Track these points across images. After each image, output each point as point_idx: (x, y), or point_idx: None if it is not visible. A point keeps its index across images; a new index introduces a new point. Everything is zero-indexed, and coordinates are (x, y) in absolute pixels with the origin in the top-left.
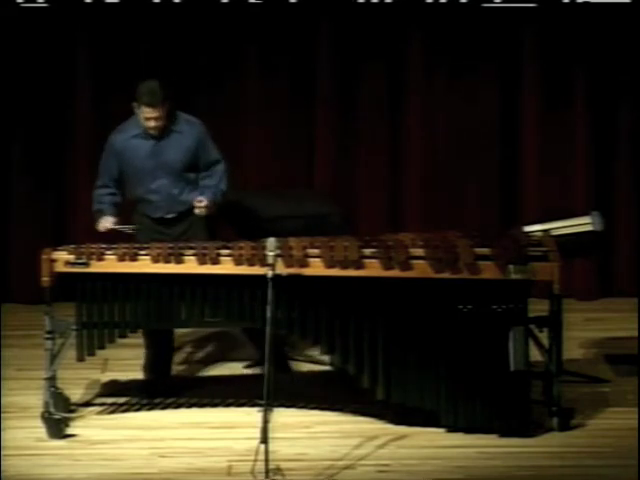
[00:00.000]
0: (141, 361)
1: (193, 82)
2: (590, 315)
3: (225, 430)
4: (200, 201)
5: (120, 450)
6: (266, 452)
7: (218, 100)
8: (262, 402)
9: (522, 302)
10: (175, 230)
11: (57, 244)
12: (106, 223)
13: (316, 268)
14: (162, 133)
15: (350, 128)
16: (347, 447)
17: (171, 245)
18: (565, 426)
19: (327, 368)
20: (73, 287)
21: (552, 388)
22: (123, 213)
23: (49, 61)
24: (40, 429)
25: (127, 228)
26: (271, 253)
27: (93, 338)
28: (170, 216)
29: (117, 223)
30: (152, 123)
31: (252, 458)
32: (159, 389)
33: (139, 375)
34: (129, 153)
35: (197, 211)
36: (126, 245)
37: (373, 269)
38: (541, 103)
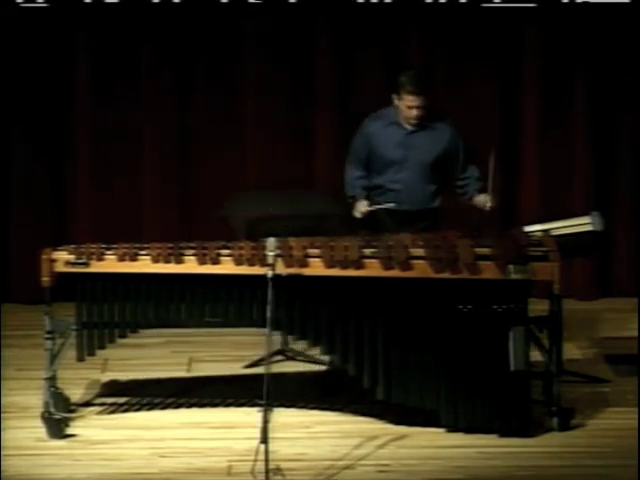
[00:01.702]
0: (143, 361)
1: (192, 82)
2: (590, 315)
3: (225, 430)
4: (485, 202)
5: (120, 450)
6: (266, 452)
7: (218, 100)
8: (262, 402)
9: (522, 302)
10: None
11: (57, 244)
12: (362, 207)
13: (316, 268)
14: (419, 125)
15: (350, 128)
16: (347, 447)
17: (171, 245)
18: (565, 426)
19: (326, 368)
20: (73, 287)
21: (552, 388)
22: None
23: (49, 61)
24: (40, 429)
25: (384, 205)
26: (271, 253)
27: (93, 338)
28: (405, 208)
29: (371, 205)
30: (414, 112)
31: (252, 458)
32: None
33: (139, 375)
34: (380, 140)
35: (488, 207)
36: (126, 245)
37: (373, 269)
38: (541, 103)
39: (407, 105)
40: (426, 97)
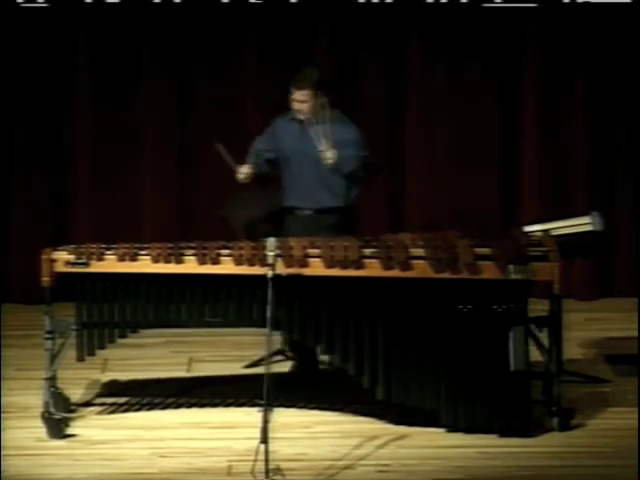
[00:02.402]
0: (143, 361)
1: (193, 82)
2: (590, 315)
3: (225, 430)
4: (328, 152)
5: (120, 450)
6: (266, 452)
7: (218, 100)
8: (262, 402)
9: (522, 302)
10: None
11: (57, 244)
12: (244, 168)
13: (316, 268)
14: (309, 121)
15: None
16: (347, 447)
17: (171, 245)
18: (565, 426)
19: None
20: (73, 287)
21: (552, 388)
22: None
23: (49, 61)
24: (40, 429)
25: (231, 160)
26: (271, 253)
27: (93, 338)
28: (306, 213)
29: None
30: (296, 105)
31: (252, 458)
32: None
33: (139, 375)
34: (282, 134)
35: (325, 162)
36: (126, 245)
37: (373, 269)
38: (541, 103)
39: (290, 97)
40: (306, 93)
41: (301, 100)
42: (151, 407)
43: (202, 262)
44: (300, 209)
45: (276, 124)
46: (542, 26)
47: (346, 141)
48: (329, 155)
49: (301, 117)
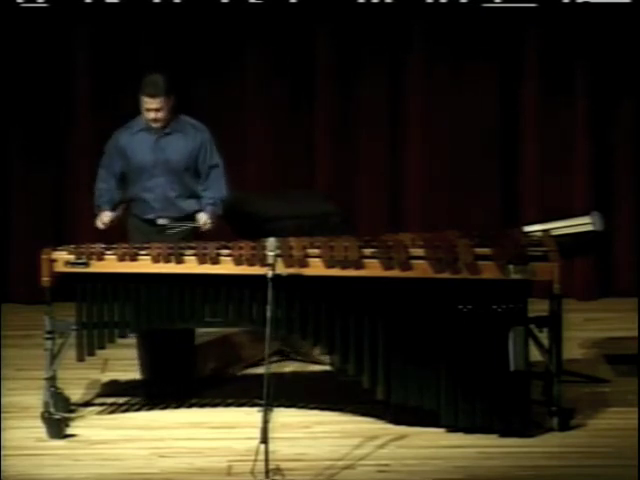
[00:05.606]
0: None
1: (193, 82)
2: (590, 315)
3: (225, 430)
4: (205, 222)
5: (120, 450)
6: (266, 452)
7: (218, 100)
8: (262, 402)
9: (522, 302)
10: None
11: (57, 244)
12: (104, 218)
13: (316, 268)
14: (164, 128)
15: (350, 128)
16: (347, 447)
17: (171, 245)
18: (565, 426)
19: (327, 368)
20: (73, 287)
21: (552, 388)
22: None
23: (49, 61)
24: (40, 429)
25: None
26: (271, 253)
27: (93, 338)
28: (162, 222)
29: (115, 217)
30: (152, 114)
31: (252, 458)
32: (156, 390)
33: (139, 375)
34: (131, 147)
35: (205, 227)
36: (126, 245)
37: (373, 269)
38: (541, 103)
39: (145, 107)
40: (163, 100)
41: (156, 108)
42: (151, 407)
43: (202, 262)
44: (160, 218)
45: (118, 141)
46: (542, 26)
47: (201, 152)
48: (208, 224)
49: (156, 125)
